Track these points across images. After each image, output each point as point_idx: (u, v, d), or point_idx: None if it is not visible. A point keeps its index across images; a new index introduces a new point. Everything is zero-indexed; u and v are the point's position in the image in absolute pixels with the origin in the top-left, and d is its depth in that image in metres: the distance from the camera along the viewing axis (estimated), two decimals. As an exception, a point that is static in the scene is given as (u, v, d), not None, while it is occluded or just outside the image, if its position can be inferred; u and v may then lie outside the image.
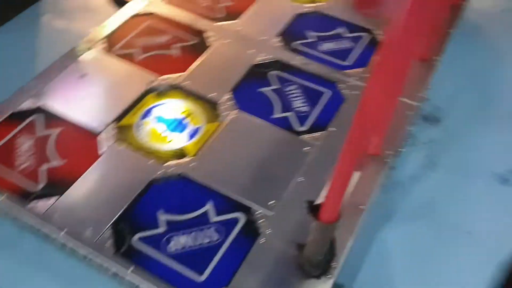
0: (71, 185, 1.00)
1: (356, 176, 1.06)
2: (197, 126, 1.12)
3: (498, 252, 1.10)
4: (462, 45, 1.55)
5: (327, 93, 1.23)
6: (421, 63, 1.33)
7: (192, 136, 1.10)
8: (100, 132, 1.10)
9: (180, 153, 1.07)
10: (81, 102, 1.17)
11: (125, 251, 0.91)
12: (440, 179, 1.23)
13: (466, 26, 1.61)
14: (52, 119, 1.12)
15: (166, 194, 1.00)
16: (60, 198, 0.98)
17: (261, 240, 0.94)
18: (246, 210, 0.98)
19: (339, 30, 1.41)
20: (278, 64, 1.29)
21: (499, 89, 1.45)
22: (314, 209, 0.85)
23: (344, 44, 1.37)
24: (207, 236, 0.94)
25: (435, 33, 1.31)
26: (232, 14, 1.43)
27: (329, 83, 1.25)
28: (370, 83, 0.75)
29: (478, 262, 1.08)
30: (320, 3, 1.48)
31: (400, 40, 0.64)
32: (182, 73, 1.23)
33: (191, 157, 1.06)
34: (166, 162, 1.05)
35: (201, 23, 1.39)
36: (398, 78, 0.88)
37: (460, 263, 1.08)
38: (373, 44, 1.36)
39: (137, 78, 1.23)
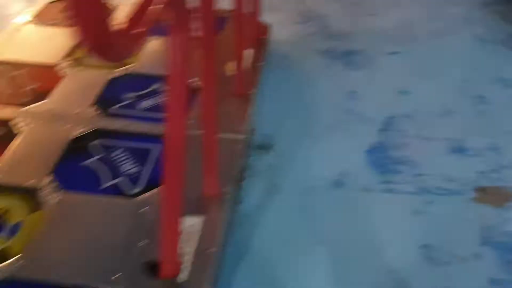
0: None
1: (200, 221, 1.04)
2: (16, 221, 1.01)
3: (350, 253, 1.17)
4: (274, 74, 1.67)
5: (155, 149, 1.22)
6: (239, 98, 1.39)
7: (12, 233, 0.99)
8: None
9: (2, 256, 0.95)
10: None
11: None
12: (284, 199, 1.28)
13: (274, 57, 1.75)
14: None
15: (-5, 306, 0.88)
16: None
17: (114, 320, 0.86)
18: (90, 293, 0.90)
19: (155, 86, 1.42)
20: (98, 133, 1.24)
21: (314, 105, 1.58)
22: (153, 269, 0.81)
23: (163, 98, 1.38)
24: (50, 337, 0.83)
25: (243, 70, 1.39)
26: (40, 95, 1.35)
27: (155, 138, 1.24)
28: (165, 127, 0.76)
29: (336, 265, 1.13)
30: (131, 65, 1.48)
31: (175, 82, 0.66)
32: (-9, 168, 1.12)
33: (17, 256, 0.95)
34: (-12, 270, 0.92)
35: (5, 112, 1.29)
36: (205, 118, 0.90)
37: (321, 272, 1.11)
38: (192, 92, 1.38)
39: None
